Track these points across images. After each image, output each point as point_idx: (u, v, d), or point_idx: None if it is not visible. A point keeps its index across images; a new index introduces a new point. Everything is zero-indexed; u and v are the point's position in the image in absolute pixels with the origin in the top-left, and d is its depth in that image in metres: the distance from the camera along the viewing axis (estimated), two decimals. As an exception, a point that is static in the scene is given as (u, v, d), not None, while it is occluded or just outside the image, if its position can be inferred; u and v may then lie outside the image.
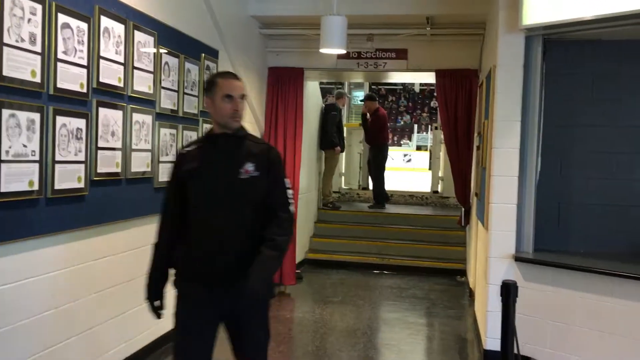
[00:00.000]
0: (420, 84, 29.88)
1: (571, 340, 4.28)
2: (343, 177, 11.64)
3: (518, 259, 4.49)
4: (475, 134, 6.45)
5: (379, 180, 9.91)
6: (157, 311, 2.95)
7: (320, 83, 10.39)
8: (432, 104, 30.39)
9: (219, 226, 2.70)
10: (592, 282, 4.17)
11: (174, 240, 2.84)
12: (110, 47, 3.81)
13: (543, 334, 4.39)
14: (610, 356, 4.08)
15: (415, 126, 30.86)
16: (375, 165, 10.00)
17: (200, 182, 2.73)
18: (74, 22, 3.43)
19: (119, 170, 3.96)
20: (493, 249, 4.60)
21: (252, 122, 6.74)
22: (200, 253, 2.74)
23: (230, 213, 2.70)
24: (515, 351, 3.01)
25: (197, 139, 3.00)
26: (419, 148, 29.16)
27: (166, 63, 4.56)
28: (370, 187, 10.61)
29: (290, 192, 2.80)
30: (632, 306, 3.98)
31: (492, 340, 4.54)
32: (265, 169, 2.74)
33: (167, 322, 4.87)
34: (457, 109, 6.77)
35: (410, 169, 26.04)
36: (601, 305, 4.13)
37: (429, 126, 29.00)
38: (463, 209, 7.36)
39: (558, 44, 4.62)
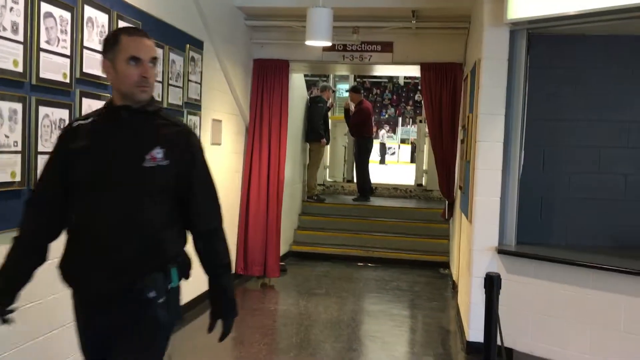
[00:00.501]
0: (405, 78, 29.93)
1: (552, 332, 4.33)
2: (328, 170, 11.65)
3: (501, 251, 4.54)
4: (460, 128, 6.49)
5: (363, 173, 9.93)
6: (3, 315, 2.27)
7: (305, 75, 10.39)
8: (416, 97, 30.48)
9: (106, 227, 2.13)
10: (573, 275, 4.22)
11: (47, 235, 2.26)
12: (94, 36, 3.77)
13: (524, 326, 4.45)
14: (591, 347, 4.14)
15: (400, 119, 30.97)
16: (360, 158, 10.01)
17: (87, 166, 2.14)
18: (57, 11, 3.39)
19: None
20: (476, 241, 4.64)
21: (236, 113, 6.72)
22: (80, 260, 2.18)
23: (123, 211, 2.13)
24: (499, 343, 3.05)
25: (94, 111, 2.36)
26: (403, 141, 29.28)
27: (150, 54, 4.51)
28: (355, 179, 10.63)
29: (216, 194, 2.36)
30: (612, 298, 4.04)
31: (475, 332, 4.58)
32: (180, 159, 2.19)
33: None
34: (441, 103, 6.79)
35: (394, 162, 26.15)
36: (582, 298, 4.19)
37: (410, 119, 29.11)
38: (447, 202, 7.41)
39: (542, 39, 4.65)
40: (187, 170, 2.23)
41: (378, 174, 13.34)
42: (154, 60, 2.20)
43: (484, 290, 3.25)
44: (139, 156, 2.14)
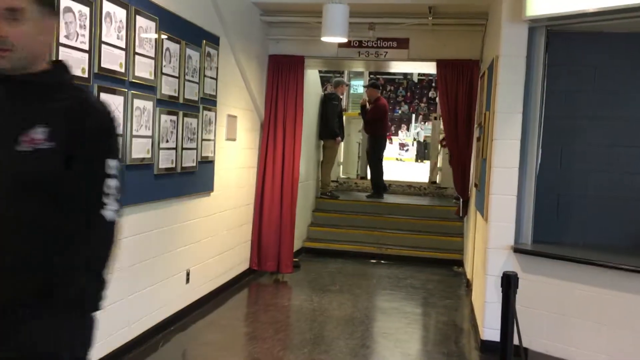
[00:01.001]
0: (419, 74, 29.75)
1: (568, 332, 4.30)
2: (341, 167, 11.64)
3: (517, 250, 4.51)
4: (476, 125, 6.45)
5: (377, 170, 9.91)
6: None
7: (320, 71, 10.36)
8: (430, 94, 30.31)
9: None
10: (590, 274, 4.18)
11: None
12: (112, 32, 3.79)
13: (540, 325, 4.42)
14: (607, 348, 4.11)
15: (413, 116, 30.83)
16: (374, 155, 9.99)
17: None
18: (76, 6, 3.40)
19: (119, 156, 3.94)
20: (492, 240, 4.61)
21: (252, 109, 6.73)
22: None
23: None
24: (517, 342, 3.03)
25: None
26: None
27: (167, 49, 4.53)
28: (369, 176, 10.62)
29: (112, 183, 1.76)
30: (630, 299, 4.00)
31: (489, 331, 4.56)
32: (69, 138, 1.69)
33: (165, 309, 4.91)
34: (457, 100, 6.75)
35: (408, 159, 26.07)
36: (599, 298, 4.15)
37: (421, 117, 28.94)
38: (461, 200, 7.37)
39: (561, 36, 4.60)
40: (80, 150, 1.71)
41: (391, 171, 13.28)
42: (11, 11, 1.64)
43: (499, 289, 3.23)
44: (11, 138, 1.67)
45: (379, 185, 9.87)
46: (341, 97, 9.74)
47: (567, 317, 4.31)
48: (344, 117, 10.19)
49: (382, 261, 8.13)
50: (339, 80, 10.25)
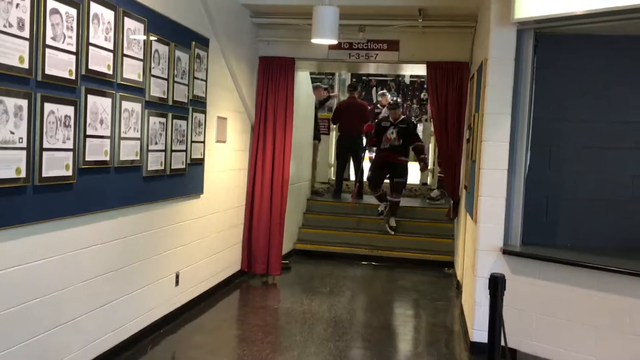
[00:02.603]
0: (411, 76, 29.79)
1: (557, 333, 4.31)
2: (332, 168, 11.63)
3: (506, 252, 4.52)
4: (466, 127, 6.46)
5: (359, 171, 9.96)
6: None
7: (311, 73, 10.37)
8: (422, 95, 30.33)
9: None
10: (579, 276, 4.20)
11: None
12: (100, 33, 3.77)
13: (529, 327, 4.43)
14: (595, 349, 4.12)
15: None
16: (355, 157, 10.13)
17: None
18: (63, 8, 3.38)
19: (107, 158, 3.93)
20: (481, 241, 4.62)
21: (242, 111, 6.71)
22: None
23: None
24: (503, 343, 3.03)
25: None
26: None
27: (156, 51, 4.51)
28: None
29: None
30: (618, 300, 4.02)
31: (478, 333, 4.57)
32: None
33: (154, 312, 4.89)
34: (447, 102, 6.77)
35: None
36: (588, 299, 4.16)
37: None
38: (452, 202, 7.38)
39: (550, 38, 4.63)
40: None
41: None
42: None
43: (488, 290, 3.23)
44: None
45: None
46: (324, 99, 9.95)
47: (556, 319, 4.32)
48: (319, 120, 10.24)
49: (373, 263, 8.12)
50: (316, 85, 10.37)
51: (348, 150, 10.00)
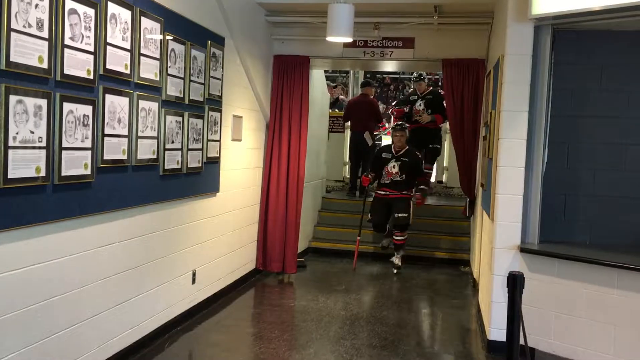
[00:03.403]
0: (426, 73, 29.65)
1: (575, 332, 4.28)
2: (347, 166, 11.62)
3: (523, 250, 4.49)
4: (482, 125, 6.42)
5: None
6: None
7: (325, 71, 10.36)
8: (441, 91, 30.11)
9: None
10: (597, 274, 4.16)
11: None
12: (117, 33, 3.79)
13: (547, 325, 4.40)
14: (614, 348, 4.08)
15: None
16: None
17: None
18: (81, 8, 3.41)
19: (125, 157, 3.96)
20: (498, 239, 4.60)
21: (257, 109, 6.73)
22: None
23: None
24: (522, 342, 3.01)
25: None
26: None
27: (172, 50, 4.54)
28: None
29: None
30: (637, 298, 3.98)
31: (496, 331, 4.54)
32: None
33: (171, 310, 4.92)
34: (463, 99, 6.73)
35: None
36: (606, 297, 4.13)
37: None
38: (468, 200, 7.35)
39: (567, 34, 4.59)
40: None
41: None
42: None
43: (506, 288, 3.21)
44: None
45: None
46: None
47: (575, 317, 4.29)
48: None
49: (390, 261, 8.10)
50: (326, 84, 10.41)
51: (358, 148, 9.93)
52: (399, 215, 7.37)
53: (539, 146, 4.57)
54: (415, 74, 9.34)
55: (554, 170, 4.66)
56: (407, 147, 7.58)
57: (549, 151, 4.61)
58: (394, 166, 7.47)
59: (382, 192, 7.58)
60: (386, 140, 12.19)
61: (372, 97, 10.04)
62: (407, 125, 8.19)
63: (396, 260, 7.59)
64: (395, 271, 7.47)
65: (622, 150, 4.68)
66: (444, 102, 8.52)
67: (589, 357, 4.20)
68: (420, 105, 9.05)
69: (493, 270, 4.62)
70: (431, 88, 9.40)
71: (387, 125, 12.77)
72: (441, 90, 9.24)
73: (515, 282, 2.87)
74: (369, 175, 7.65)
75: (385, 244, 7.93)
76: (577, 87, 4.72)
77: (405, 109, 9.38)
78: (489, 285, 4.79)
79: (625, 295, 4.04)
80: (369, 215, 7.63)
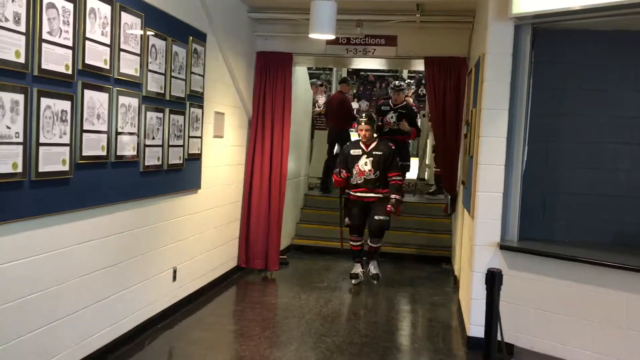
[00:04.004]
0: (409, 71, 29.77)
1: (554, 328, 4.32)
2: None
3: (503, 247, 4.53)
4: (463, 123, 6.46)
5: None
6: None
7: (309, 69, 10.35)
8: (420, 91, 30.30)
9: None
10: (575, 271, 4.21)
11: None
12: (97, 28, 3.75)
13: (526, 322, 4.44)
14: (592, 344, 4.13)
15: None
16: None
17: None
18: (60, 2, 3.37)
19: (104, 153, 3.92)
20: (478, 236, 4.63)
21: (239, 106, 6.70)
22: None
23: None
24: (499, 338, 3.04)
25: None
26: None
27: (153, 45, 4.50)
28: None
29: None
30: (614, 295, 4.03)
31: (475, 327, 4.58)
32: None
33: (151, 307, 4.89)
34: (445, 97, 6.76)
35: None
36: (585, 294, 4.18)
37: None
38: (449, 197, 7.39)
39: (547, 33, 4.62)
40: None
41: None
42: None
43: (485, 285, 3.24)
44: None
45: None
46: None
47: (553, 314, 4.33)
48: None
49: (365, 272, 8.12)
50: (312, 82, 10.40)
51: (333, 146, 9.85)
52: (379, 217, 6.64)
53: (518, 144, 4.61)
54: (396, 83, 8.86)
55: (533, 169, 4.70)
56: (378, 138, 6.86)
57: (529, 149, 4.65)
58: (365, 163, 6.63)
59: (357, 194, 6.72)
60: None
61: (347, 94, 9.98)
62: (374, 115, 7.67)
63: (373, 269, 6.87)
64: (375, 282, 6.78)
65: (601, 149, 4.73)
66: (417, 118, 8.77)
67: (567, 353, 4.25)
68: (392, 117, 8.41)
69: (473, 267, 4.66)
70: (405, 102, 8.88)
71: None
72: (414, 106, 9.17)
73: (493, 279, 2.89)
74: (342, 175, 6.69)
75: (358, 270, 6.94)
76: (556, 86, 4.76)
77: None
78: (468, 282, 4.82)
79: (602, 292, 4.09)
80: (346, 219, 6.92)
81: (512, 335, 4.44)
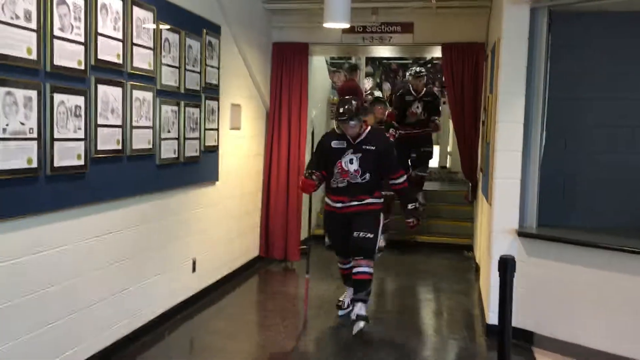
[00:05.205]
0: (433, 58, 29.48)
1: (574, 316, 4.26)
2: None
3: (521, 234, 4.47)
4: (482, 109, 6.39)
5: None
6: None
7: (331, 58, 10.25)
8: (443, 78, 29.89)
9: None
10: (595, 257, 4.14)
11: None
12: (108, 23, 3.78)
13: (546, 309, 4.39)
14: (613, 331, 4.07)
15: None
16: None
17: None
18: (70, -1, 3.41)
19: (119, 147, 3.97)
20: (496, 223, 4.58)
21: (256, 97, 6.71)
22: None
23: None
24: (520, 325, 2.99)
25: None
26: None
27: (166, 39, 4.53)
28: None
29: None
30: (637, 281, 3.96)
31: (494, 315, 4.53)
32: None
33: (171, 298, 4.94)
34: (463, 84, 6.69)
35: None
36: (605, 281, 4.11)
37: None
38: (470, 184, 7.33)
39: (564, 16, 4.53)
40: None
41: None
42: None
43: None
44: None
45: None
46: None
47: (573, 301, 4.27)
48: None
49: (392, 247, 8.09)
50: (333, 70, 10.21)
51: None
52: (360, 235, 4.79)
53: (536, 129, 4.54)
54: (414, 69, 8.37)
55: (552, 154, 4.62)
56: (369, 128, 4.96)
57: (547, 134, 4.57)
58: (350, 161, 4.79)
59: (336, 203, 4.93)
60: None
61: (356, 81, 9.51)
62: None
63: (357, 309, 4.85)
64: (361, 327, 4.77)
65: (621, 132, 4.63)
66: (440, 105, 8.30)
67: (587, 340, 4.18)
68: (417, 107, 8.00)
69: (491, 254, 4.61)
70: (427, 88, 8.41)
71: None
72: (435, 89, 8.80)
73: (506, 266, 2.85)
74: (313, 177, 4.91)
75: (347, 298, 5.33)
76: (574, 69, 4.66)
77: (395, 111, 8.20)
78: (487, 270, 4.78)
79: (623, 278, 4.02)
80: (325, 237, 5.30)
81: (532, 323, 4.41)
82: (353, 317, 4.85)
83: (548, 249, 4.38)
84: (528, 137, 4.53)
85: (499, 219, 4.57)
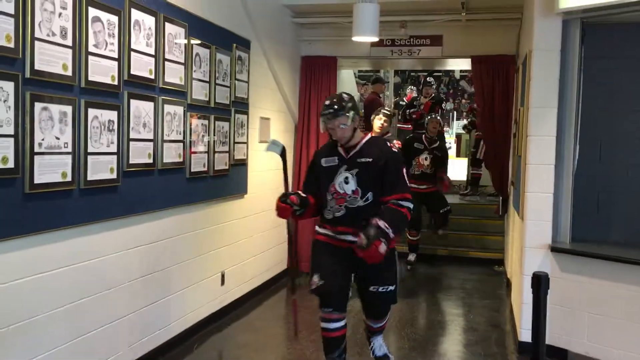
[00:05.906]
0: (461, 71, 29.30)
1: (610, 333, 4.16)
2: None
3: (554, 249, 4.39)
4: (513, 122, 6.31)
5: None
6: None
7: (360, 71, 10.27)
8: (472, 89, 29.67)
9: None
10: (631, 274, 4.04)
11: None
12: (141, 39, 3.85)
13: (580, 326, 4.29)
14: (650, 350, 3.96)
15: (455, 113, 30.35)
16: None
17: None
18: (105, 16, 3.48)
19: (151, 161, 4.02)
20: (528, 239, 4.51)
21: (285, 111, 6.75)
22: None
23: None
24: (552, 343, 2.93)
25: None
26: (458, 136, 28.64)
27: (197, 54, 4.58)
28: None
29: None
30: (673, 299, 3.85)
31: (526, 332, 4.45)
32: None
33: (200, 311, 4.97)
34: (494, 96, 6.63)
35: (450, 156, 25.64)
36: (641, 297, 4.00)
37: (461, 114, 28.29)
38: (501, 198, 7.23)
39: (598, 27, 4.46)
40: None
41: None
42: None
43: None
44: None
45: None
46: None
47: (608, 318, 4.17)
48: None
49: (420, 260, 8.02)
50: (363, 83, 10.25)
51: None
52: (379, 290, 3.89)
53: (569, 142, 4.47)
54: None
55: (586, 167, 4.53)
56: (368, 136, 3.92)
57: (581, 147, 4.49)
58: (345, 180, 3.70)
59: (335, 235, 3.79)
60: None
61: (380, 94, 9.38)
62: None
63: (378, 349, 4.16)
64: None
65: (657, 145, 4.52)
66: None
67: (623, 359, 4.07)
68: (426, 159, 7.39)
69: (523, 270, 4.54)
70: (440, 132, 7.81)
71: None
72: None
73: (539, 283, 2.80)
74: (288, 201, 3.93)
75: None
76: (608, 81, 4.58)
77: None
78: (519, 286, 4.70)
79: (661, 295, 3.91)
80: (314, 278, 3.94)
81: (565, 340, 4.31)
82: (373, 355, 4.13)
83: (582, 265, 4.28)
84: (561, 150, 4.46)
85: (532, 234, 4.49)
